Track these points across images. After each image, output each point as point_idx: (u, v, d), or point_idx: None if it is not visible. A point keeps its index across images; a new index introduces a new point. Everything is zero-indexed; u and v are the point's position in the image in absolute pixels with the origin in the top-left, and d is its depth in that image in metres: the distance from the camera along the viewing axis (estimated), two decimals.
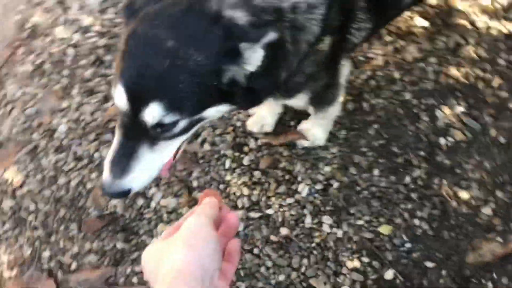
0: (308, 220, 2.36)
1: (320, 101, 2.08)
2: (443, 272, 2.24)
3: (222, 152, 2.50)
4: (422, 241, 2.30)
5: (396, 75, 2.54)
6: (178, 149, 1.61)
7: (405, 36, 2.60)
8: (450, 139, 2.43)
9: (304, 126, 2.45)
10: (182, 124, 1.41)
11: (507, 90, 2.47)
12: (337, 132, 2.48)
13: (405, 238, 2.31)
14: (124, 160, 1.43)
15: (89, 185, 2.53)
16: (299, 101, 1.98)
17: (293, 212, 2.38)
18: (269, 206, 2.40)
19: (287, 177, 2.44)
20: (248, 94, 1.47)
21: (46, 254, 2.45)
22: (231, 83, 1.39)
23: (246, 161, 2.47)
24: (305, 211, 2.38)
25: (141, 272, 2.36)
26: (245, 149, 2.50)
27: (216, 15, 1.35)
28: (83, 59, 2.74)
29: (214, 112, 1.48)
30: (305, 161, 2.45)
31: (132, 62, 1.35)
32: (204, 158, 2.51)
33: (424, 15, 2.61)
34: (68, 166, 2.57)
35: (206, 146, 2.51)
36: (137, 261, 2.40)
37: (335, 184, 2.41)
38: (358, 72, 2.54)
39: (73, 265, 2.38)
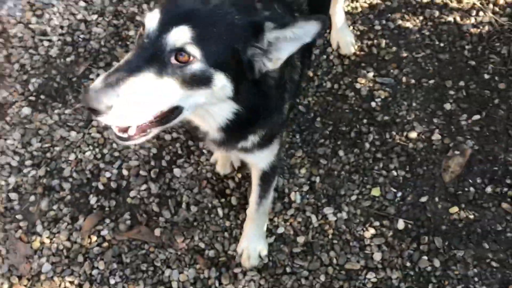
0: (314, 220, 2.55)
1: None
2: (436, 199, 2.58)
3: (209, 205, 2.59)
4: (407, 185, 2.63)
5: (310, 73, 2.90)
6: (169, 120, 1.56)
7: None
8: (378, 100, 2.83)
9: (242, 246, 2.47)
10: (195, 67, 1.43)
11: (394, 45, 2.97)
12: (293, 138, 2.74)
13: (393, 190, 2.61)
14: (122, 74, 1.38)
15: None
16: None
17: (299, 219, 2.55)
18: (277, 226, 2.54)
19: (276, 195, 2.60)
20: (255, 89, 1.59)
21: None
22: (250, 61, 1.51)
23: (234, 201, 2.60)
24: (308, 213, 2.56)
25: None
26: (227, 192, 2.62)
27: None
28: (31, 196, 2.65)
29: (221, 83, 1.49)
30: (283, 174, 2.65)
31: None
32: (196, 219, 2.57)
33: None
34: None
35: (193, 209, 2.58)
36: None
37: (317, 179, 2.64)
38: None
39: None
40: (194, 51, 1.41)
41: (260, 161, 2.12)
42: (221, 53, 1.46)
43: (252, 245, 2.45)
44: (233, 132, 1.75)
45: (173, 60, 1.42)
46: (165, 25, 1.41)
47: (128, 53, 1.45)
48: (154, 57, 1.41)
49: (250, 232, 2.45)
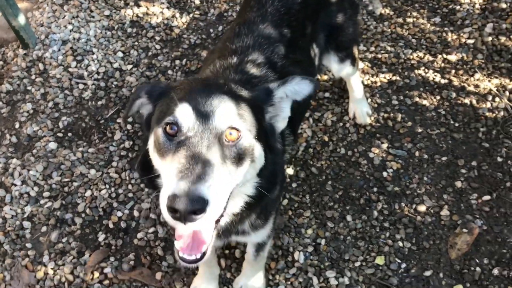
0: (315, 281, 2.54)
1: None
2: (441, 275, 2.55)
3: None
4: (412, 257, 2.61)
5: (326, 138, 3.00)
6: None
7: (318, 108, 3.12)
8: (390, 170, 2.88)
9: (240, 283, 2.51)
10: (244, 141, 1.47)
11: (409, 120, 3.06)
12: (303, 198, 2.79)
13: (398, 260, 2.60)
14: (196, 169, 1.33)
15: None
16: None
17: (300, 280, 2.54)
18: (277, 284, 2.54)
19: (280, 252, 2.62)
20: (270, 157, 1.66)
21: None
22: (270, 125, 1.65)
23: (238, 253, 2.62)
24: (310, 274, 2.55)
25: None
26: (233, 243, 2.65)
27: None
28: (43, 226, 2.73)
29: (258, 153, 1.56)
30: (289, 232, 2.67)
31: (194, 91, 1.52)
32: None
33: (325, 89, 3.20)
34: None
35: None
36: None
37: (322, 241, 2.65)
38: (296, 146, 2.95)
39: None
40: (240, 124, 1.47)
41: (255, 239, 2.12)
42: (254, 123, 1.53)
43: (250, 283, 2.46)
44: (242, 212, 1.74)
45: (226, 141, 1.45)
46: (203, 114, 1.44)
47: (173, 156, 1.42)
48: (211, 144, 1.41)
49: (249, 271, 2.46)
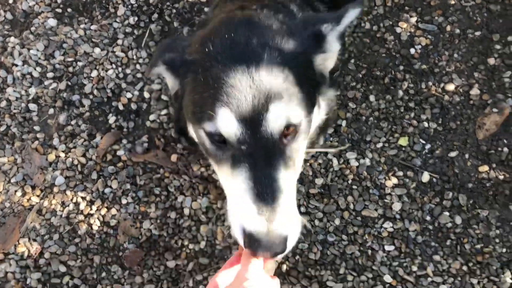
0: (335, 163, 2.45)
1: None
2: (466, 156, 2.45)
3: None
4: (437, 138, 2.49)
5: None
6: None
7: None
8: (417, 47, 2.66)
9: None
10: (304, 124, 1.31)
11: None
12: None
13: (422, 141, 2.48)
14: (269, 197, 1.19)
15: (112, 222, 2.41)
16: None
17: (319, 161, 2.46)
18: None
19: None
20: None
21: None
22: (321, 75, 1.42)
23: None
24: (329, 156, 2.47)
25: (205, 281, 2.30)
26: None
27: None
28: (50, 108, 2.60)
29: (316, 113, 1.44)
30: None
31: (228, 68, 1.23)
32: None
33: None
34: (81, 214, 2.43)
35: None
36: (194, 271, 2.33)
37: (343, 123, 2.52)
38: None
39: None
40: (297, 113, 1.25)
41: None
42: (306, 91, 1.29)
43: None
44: None
45: (285, 140, 1.27)
46: (252, 120, 1.20)
47: (232, 171, 1.26)
48: (268, 154, 1.21)
49: None
